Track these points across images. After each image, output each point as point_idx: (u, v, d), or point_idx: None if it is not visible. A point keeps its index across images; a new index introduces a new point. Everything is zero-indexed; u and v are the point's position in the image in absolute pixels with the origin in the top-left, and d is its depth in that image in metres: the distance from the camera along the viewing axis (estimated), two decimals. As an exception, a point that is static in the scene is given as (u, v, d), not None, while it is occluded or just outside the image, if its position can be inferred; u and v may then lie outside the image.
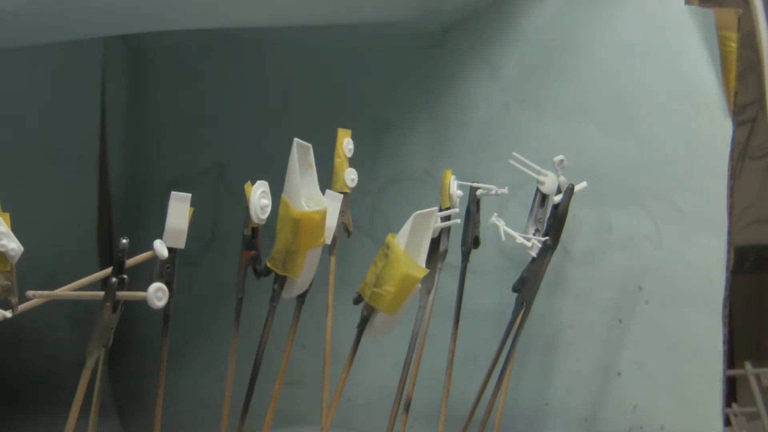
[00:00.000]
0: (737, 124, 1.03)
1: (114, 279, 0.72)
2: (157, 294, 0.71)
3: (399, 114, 1.24)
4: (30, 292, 0.69)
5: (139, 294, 0.71)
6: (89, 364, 0.74)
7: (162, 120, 1.46)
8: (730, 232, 1.02)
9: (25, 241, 0.67)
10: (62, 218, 1.46)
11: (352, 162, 0.95)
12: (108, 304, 0.72)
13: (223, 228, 1.37)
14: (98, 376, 0.77)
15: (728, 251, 1.02)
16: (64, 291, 0.72)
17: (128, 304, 0.73)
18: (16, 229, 0.67)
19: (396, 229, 0.85)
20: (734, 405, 1.42)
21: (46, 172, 1.45)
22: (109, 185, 1.50)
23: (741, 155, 1.54)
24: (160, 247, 0.74)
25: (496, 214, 0.94)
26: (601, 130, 1.08)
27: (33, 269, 0.79)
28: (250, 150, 1.35)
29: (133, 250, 0.74)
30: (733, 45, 1.02)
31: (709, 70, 1.02)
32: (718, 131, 1.02)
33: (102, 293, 0.72)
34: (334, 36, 1.25)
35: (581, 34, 1.10)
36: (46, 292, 0.70)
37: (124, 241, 0.72)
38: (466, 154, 1.18)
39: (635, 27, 1.07)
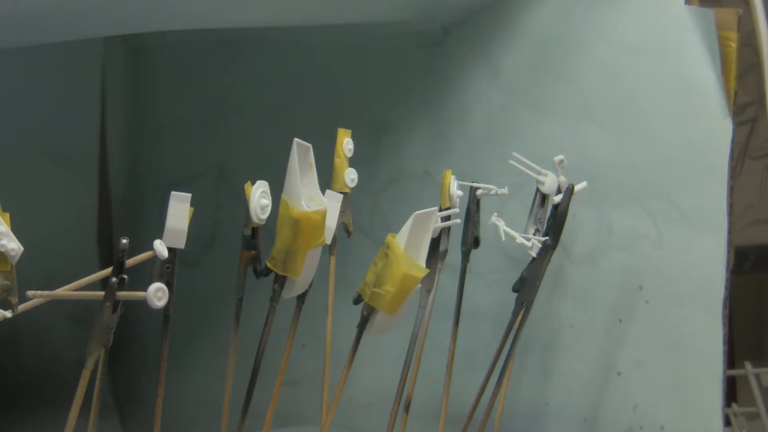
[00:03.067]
0: (737, 124, 1.03)
1: (114, 279, 0.72)
2: (157, 294, 0.71)
3: (399, 114, 1.24)
4: (30, 292, 0.69)
5: (139, 294, 0.71)
6: (89, 364, 0.74)
7: (162, 120, 1.46)
8: (730, 232, 1.02)
9: (24, 241, 0.67)
10: (62, 218, 1.46)
11: (352, 162, 0.95)
12: (108, 304, 0.72)
13: (224, 228, 1.37)
14: (98, 376, 0.77)
15: (728, 251, 1.02)
16: (64, 291, 0.72)
17: (129, 304, 0.73)
18: (16, 229, 0.67)
19: (396, 229, 0.85)
20: (734, 405, 1.42)
21: (46, 172, 1.44)
22: (109, 185, 1.50)
23: (741, 155, 1.55)
24: (160, 247, 0.74)
25: (495, 214, 0.94)
26: (601, 130, 1.08)
27: (33, 269, 0.79)
28: (250, 150, 1.35)
29: (134, 250, 0.74)
30: (733, 45, 1.02)
31: (709, 70, 1.02)
32: (718, 131, 1.02)
33: (102, 293, 0.72)
34: (334, 36, 1.25)
35: (581, 33, 1.09)
36: (46, 292, 0.70)
37: (124, 241, 0.72)
38: (466, 154, 1.18)
39: (635, 27, 1.07)
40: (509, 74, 1.15)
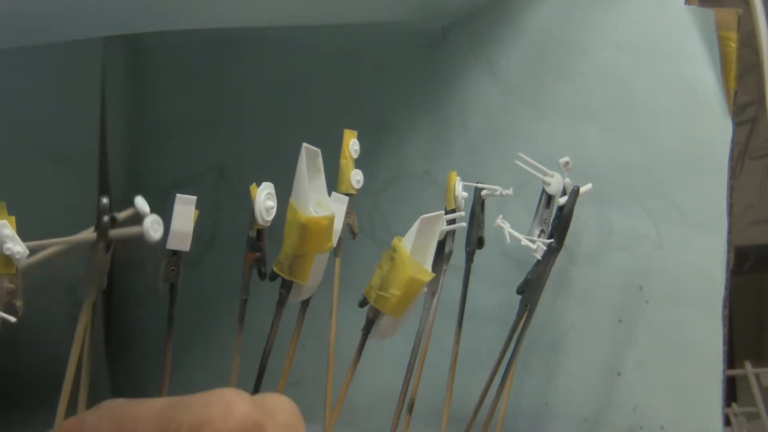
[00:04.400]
0: (737, 124, 1.03)
1: (105, 218, 0.67)
2: (153, 226, 0.66)
3: (399, 114, 1.24)
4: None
5: (135, 229, 0.66)
6: (86, 308, 0.71)
7: (162, 120, 1.46)
8: (730, 232, 1.02)
9: (24, 241, 0.67)
10: (62, 218, 1.45)
11: (352, 162, 0.96)
12: (101, 243, 0.68)
13: (224, 228, 1.37)
14: (88, 341, 0.75)
15: (728, 251, 1.02)
16: (51, 247, 0.69)
17: (129, 304, 0.72)
18: (16, 229, 0.67)
19: (396, 230, 0.85)
20: (734, 405, 1.42)
21: (46, 172, 1.44)
22: (109, 185, 1.49)
23: (741, 155, 1.55)
24: (141, 203, 0.67)
25: (501, 216, 0.94)
26: (601, 130, 1.08)
27: (33, 270, 0.78)
28: (250, 150, 1.35)
29: (134, 251, 0.74)
30: (733, 45, 1.03)
31: (709, 70, 1.02)
32: (718, 131, 1.02)
33: (94, 234, 0.68)
34: (334, 36, 1.25)
35: (581, 33, 1.10)
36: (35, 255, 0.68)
37: (104, 201, 0.68)
38: (466, 154, 1.18)
39: (635, 27, 1.07)
40: (509, 74, 1.15)
